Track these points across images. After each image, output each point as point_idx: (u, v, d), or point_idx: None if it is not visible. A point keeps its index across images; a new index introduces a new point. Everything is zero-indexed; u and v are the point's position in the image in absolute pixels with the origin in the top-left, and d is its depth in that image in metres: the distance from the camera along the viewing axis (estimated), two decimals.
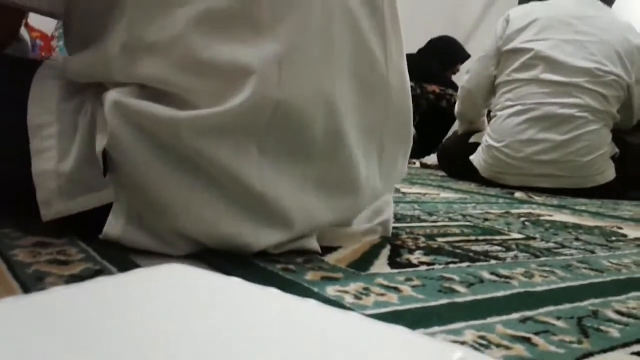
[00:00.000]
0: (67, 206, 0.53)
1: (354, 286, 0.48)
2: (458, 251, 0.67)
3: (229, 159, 0.49)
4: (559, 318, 0.45)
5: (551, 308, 0.47)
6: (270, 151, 0.51)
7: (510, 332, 0.41)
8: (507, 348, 0.38)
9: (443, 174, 2.12)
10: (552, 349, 0.38)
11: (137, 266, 0.48)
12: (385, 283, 0.50)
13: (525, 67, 1.71)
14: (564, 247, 0.78)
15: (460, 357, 0.20)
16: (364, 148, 0.59)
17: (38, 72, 0.57)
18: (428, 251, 0.66)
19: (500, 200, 1.39)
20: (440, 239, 0.74)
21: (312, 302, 0.23)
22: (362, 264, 0.56)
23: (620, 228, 1.05)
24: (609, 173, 1.68)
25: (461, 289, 0.51)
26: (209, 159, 0.49)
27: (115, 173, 0.51)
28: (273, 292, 0.24)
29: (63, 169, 0.53)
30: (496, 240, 0.79)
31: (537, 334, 0.41)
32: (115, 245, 0.52)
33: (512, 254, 0.69)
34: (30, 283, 0.41)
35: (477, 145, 1.86)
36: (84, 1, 0.55)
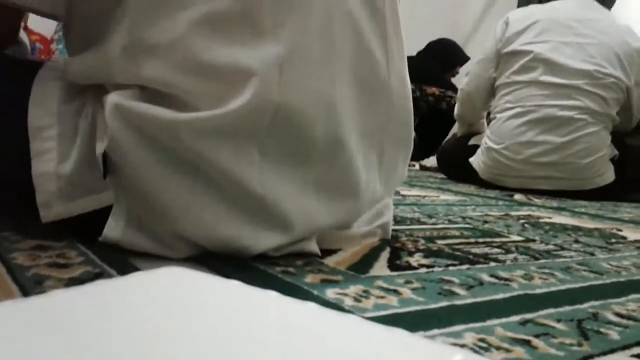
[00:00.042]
0: (66, 208, 0.53)
1: (354, 289, 0.48)
2: (457, 253, 0.67)
3: (230, 162, 0.49)
4: (558, 320, 0.45)
5: (551, 310, 0.47)
6: (271, 154, 0.51)
7: (509, 334, 0.41)
8: (507, 350, 0.37)
9: (442, 176, 2.12)
10: (552, 351, 0.38)
11: (136, 269, 0.48)
12: (385, 285, 0.50)
13: (525, 69, 1.71)
14: (563, 249, 0.78)
15: (460, 359, 0.20)
16: (364, 151, 0.59)
17: (39, 73, 0.57)
18: (427, 253, 0.66)
19: (500, 202, 1.39)
20: (439, 241, 0.74)
21: (311, 305, 0.23)
22: (362, 266, 0.56)
23: (620, 230, 1.05)
24: (608, 175, 1.68)
25: (461, 291, 0.51)
26: (209, 161, 0.49)
27: (115, 175, 0.51)
28: (272, 295, 0.24)
29: (63, 170, 0.53)
30: (495, 242, 0.79)
31: (536, 336, 0.41)
32: (114, 247, 0.52)
33: (511, 256, 0.69)
34: (29, 286, 0.41)
35: (476, 147, 1.86)
36: (85, 2, 0.55)
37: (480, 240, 0.79)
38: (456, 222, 0.95)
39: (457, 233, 0.83)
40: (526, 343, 0.39)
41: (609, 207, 1.50)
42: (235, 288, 0.25)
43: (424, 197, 1.33)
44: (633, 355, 0.39)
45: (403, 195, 1.30)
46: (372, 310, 0.43)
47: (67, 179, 0.53)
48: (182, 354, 0.18)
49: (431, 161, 2.48)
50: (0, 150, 0.55)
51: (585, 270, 0.65)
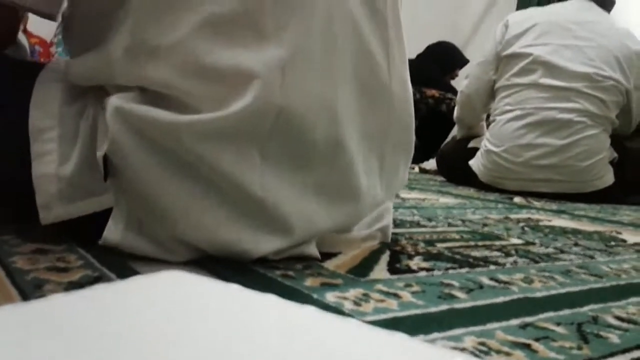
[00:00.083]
0: (66, 210, 0.53)
1: (353, 292, 0.48)
2: (457, 256, 0.67)
3: (231, 165, 0.49)
4: (558, 324, 0.45)
5: (551, 314, 0.47)
6: (272, 157, 0.51)
7: (510, 338, 0.41)
8: (507, 354, 0.37)
9: (442, 178, 2.12)
10: (552, 354, 0.38)
11: (135, 273, 0.48)
12: (385, 289, 0.50)
13: (524, 71, 1.71)
14: (563, 252, 0.78)
15: None
16: (364, 154, 0.59)
17: (40, 75, 0.57)
18: (427, 257, 0.65)
19: (499, 205, 1.39)
20: (439, 245, 0.74)
21: (310, 309, 0.23)
22: (362, 269, 0.56)
23: (619, 233, 1.05)
24: (608, 177, 1.68)
25: (460, 294, 0.51)
26: (210, 164, 0.49)
27: (116, 178, 0.51)
28: (271, 299, 0.24)
29: (63, 172, 0.53)
30: (495, 245, 0.79)
31: (536, 339, 0.41)
32: (114, 251, 0.52)
33: (511, 259, 0.69)
34: (29, 290, 0.41)
35: (476, 149, 1.86)
36: (86, 2, 0.55)
37: (480, 243, 0.79)
38: (456, 225, 0.95)
39: (456, 236, 0.83)
40: (526, 347, 0.39)
41: (609, 210, 1.50)
42: (234, 292, 0.25)
43: (424, 200, 1.33)
44: (633, 359, 0.39)
45: (403, 198, 1.30)
46: (372, 314, 0.43)
47: (67, 181, 0.53)
48: (181, 358, 0.18)
49: (431, 164, 2.47)
50: (1, 152, 0.55)
51: (585, 274, 0.65)
